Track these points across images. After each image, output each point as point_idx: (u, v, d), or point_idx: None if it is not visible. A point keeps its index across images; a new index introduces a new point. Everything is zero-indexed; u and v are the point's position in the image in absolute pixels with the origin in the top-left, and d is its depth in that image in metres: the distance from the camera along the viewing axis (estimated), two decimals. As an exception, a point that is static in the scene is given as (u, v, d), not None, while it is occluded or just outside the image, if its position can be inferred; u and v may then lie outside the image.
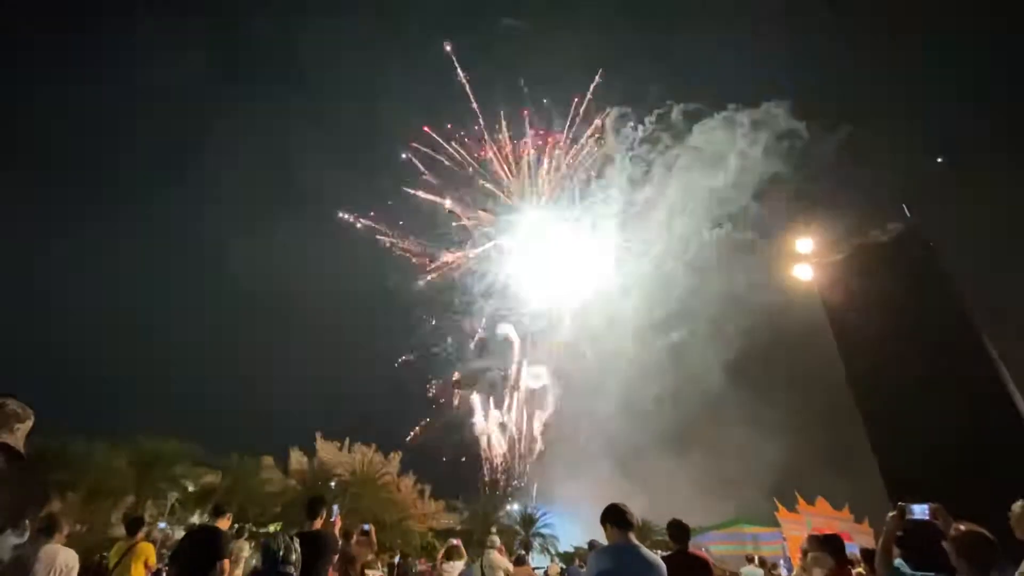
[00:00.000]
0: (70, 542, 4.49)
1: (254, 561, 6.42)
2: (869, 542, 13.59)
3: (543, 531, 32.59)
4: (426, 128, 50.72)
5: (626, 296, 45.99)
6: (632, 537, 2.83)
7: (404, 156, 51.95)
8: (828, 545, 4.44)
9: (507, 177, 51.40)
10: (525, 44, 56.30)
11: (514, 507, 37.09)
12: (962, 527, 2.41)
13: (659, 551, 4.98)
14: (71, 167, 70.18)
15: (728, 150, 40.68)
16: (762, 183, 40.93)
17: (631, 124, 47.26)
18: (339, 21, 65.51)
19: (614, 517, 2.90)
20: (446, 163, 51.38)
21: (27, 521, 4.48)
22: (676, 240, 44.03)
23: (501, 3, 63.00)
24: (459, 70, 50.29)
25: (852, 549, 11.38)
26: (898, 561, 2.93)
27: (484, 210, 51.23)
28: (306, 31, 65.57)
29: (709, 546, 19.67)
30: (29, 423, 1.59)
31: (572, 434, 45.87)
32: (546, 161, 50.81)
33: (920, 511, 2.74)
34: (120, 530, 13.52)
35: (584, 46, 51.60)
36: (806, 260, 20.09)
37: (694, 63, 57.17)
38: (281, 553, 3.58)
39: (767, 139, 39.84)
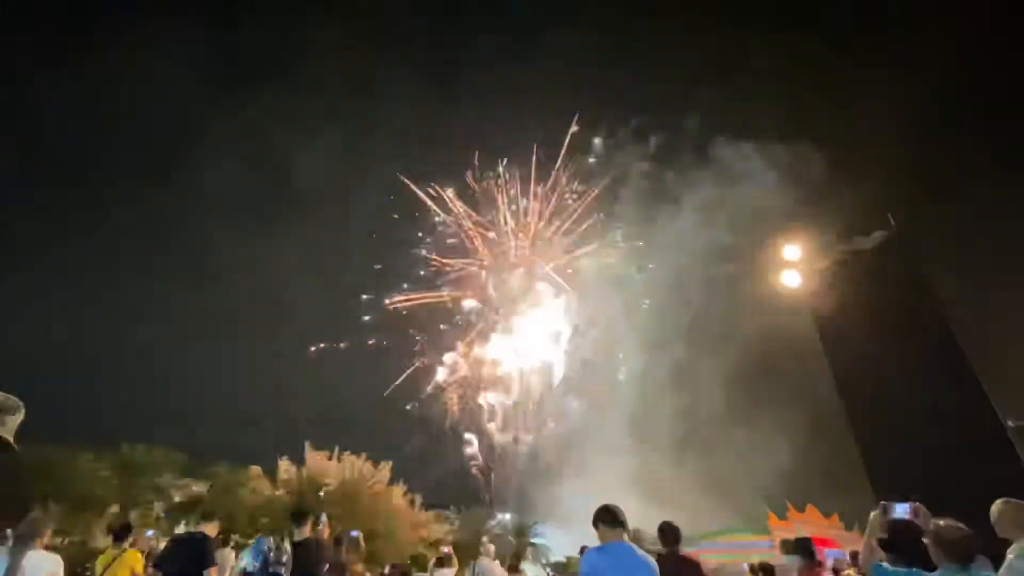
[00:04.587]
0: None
1: (243, 562, 6.34)
2: (858, 549, 13.66)
3: (536, 541, 32.30)
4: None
5: (630, 313, 45.87)
6: (624, 536, 2.86)
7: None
8: (798, 547, 4.60)
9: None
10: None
11: (507, 516, 36.81)
12: (941, 522, 2.48)
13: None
14: (62, 167, 69.40)
15: (728, 172, 40.94)
16: (755, 199, 41.30)
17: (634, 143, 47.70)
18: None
19: (606, 517, 2.94)
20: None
21: (9, 532, 4.39)
22: (676, 260, 44.04)
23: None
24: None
25: (842, 556, 11.46)
26: (884, 564, 3.00)
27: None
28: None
29: (702, 555, 19.64)
30: (20, 415, 1.62)
31: (569, 446, 45.79)
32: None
33: (902, 509, 2.82)
34: (103, 542, 13.21)
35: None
36: (794, 267, 20.45)
37: (687, 93, 58.07)
38: (272, 554, 3.58)
39: (763, 158, 40.08)
